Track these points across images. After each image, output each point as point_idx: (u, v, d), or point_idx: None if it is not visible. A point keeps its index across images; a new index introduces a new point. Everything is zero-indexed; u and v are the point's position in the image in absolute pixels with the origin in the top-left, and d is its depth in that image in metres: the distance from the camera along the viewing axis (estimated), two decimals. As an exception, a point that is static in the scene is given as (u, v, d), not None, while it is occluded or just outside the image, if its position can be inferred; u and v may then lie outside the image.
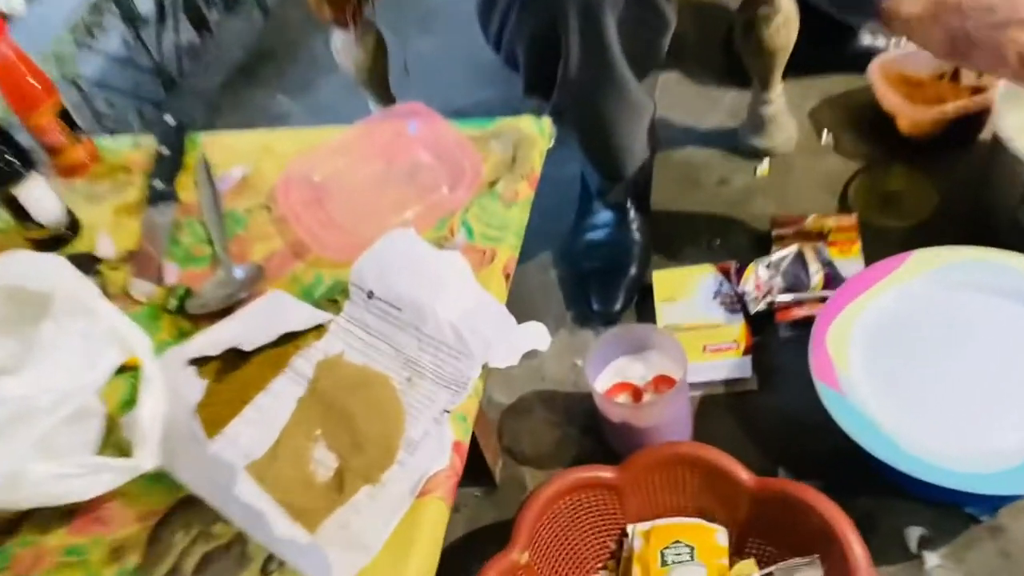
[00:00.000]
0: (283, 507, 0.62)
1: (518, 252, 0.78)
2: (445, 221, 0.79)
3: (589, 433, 1.19)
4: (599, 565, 1.05)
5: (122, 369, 0.71)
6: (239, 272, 0.81)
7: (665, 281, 1.29)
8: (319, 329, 0.74)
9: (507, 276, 0.76)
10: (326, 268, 0.79)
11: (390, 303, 0.72)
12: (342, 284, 0.73)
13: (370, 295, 0.73)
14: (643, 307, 1.29)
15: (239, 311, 0.75)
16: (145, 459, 0.65)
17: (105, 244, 0.87)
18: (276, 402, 0.69)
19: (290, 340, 0.73)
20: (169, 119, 0.94)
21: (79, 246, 0.88)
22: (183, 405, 0.65)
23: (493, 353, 0.68)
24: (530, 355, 0.69)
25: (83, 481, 0.63)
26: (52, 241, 0.87)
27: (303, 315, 0.73)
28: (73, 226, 0.88)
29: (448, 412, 0.66)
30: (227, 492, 0.62)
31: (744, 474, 0.97)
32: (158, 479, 0.67)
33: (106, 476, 0.64)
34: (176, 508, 0.67)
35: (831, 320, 1.07)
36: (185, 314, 0.79)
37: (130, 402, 0.73)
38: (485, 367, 0.68)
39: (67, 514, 0.66)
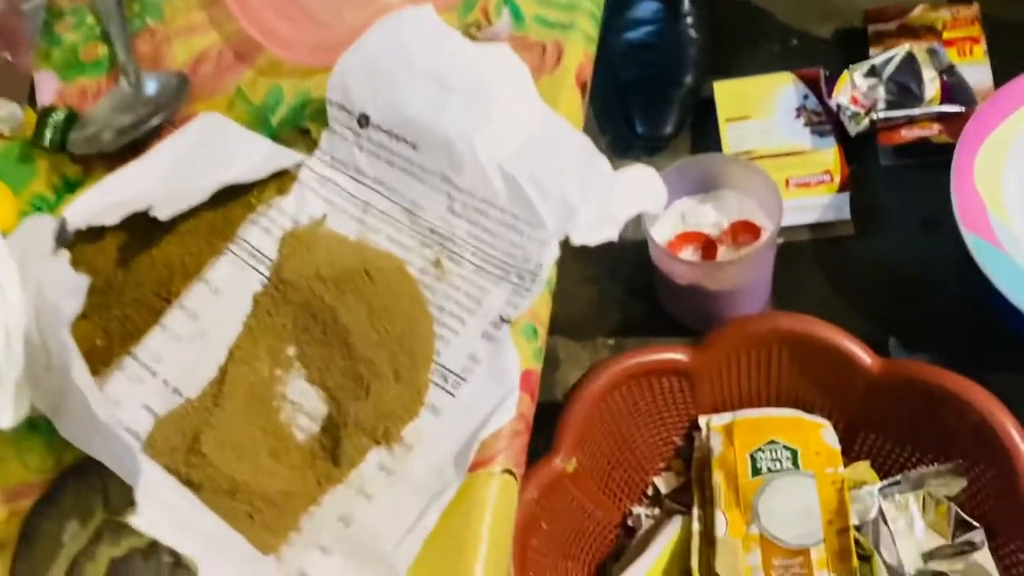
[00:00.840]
0: (237, 496, 0.36)
1: (595, 48, 0.49)
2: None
3: (637, 293, 0.94)
4: (661, 464, 0.82)
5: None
6: (151, 85, 0.52)
7: (731, 94, 1.01)
8: (282, 178, 0.45)
9: (583, 87, 0.47)
10: (288, 78, 0.50)
11: (397, 134, 0.44)
12: (315, 104, 0.44)
13: (363, 121, 0.44)
14: (702, 129, 1.02)
15: (151, 149, 0.47)
16: (2, 409, 0.38)
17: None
18: (217, 303, 0.42)
19: (236, 197, 0.45)
20: None
21: None
22: (52, 317, 0.38)
23: (577, 219, 0.41)
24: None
25: None
26: None
27: (255, 155, 0.45)
28: None
29: (508, 321, 0.40)
30: (128, 470, 0.36)
31: (865, 355, 0.73)
32: (32, 430, 0.41)
33: None
34: (66, 479, 0.41)
35: (978, 147, 0.80)
36: (69, 153, 0.50)
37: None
38: (563, 243, 0.41)
39: None
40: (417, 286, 0.42)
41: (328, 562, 0.36)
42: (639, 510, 0.80)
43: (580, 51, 0.48)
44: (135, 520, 0.32)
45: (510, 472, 0.37)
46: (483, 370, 0.39)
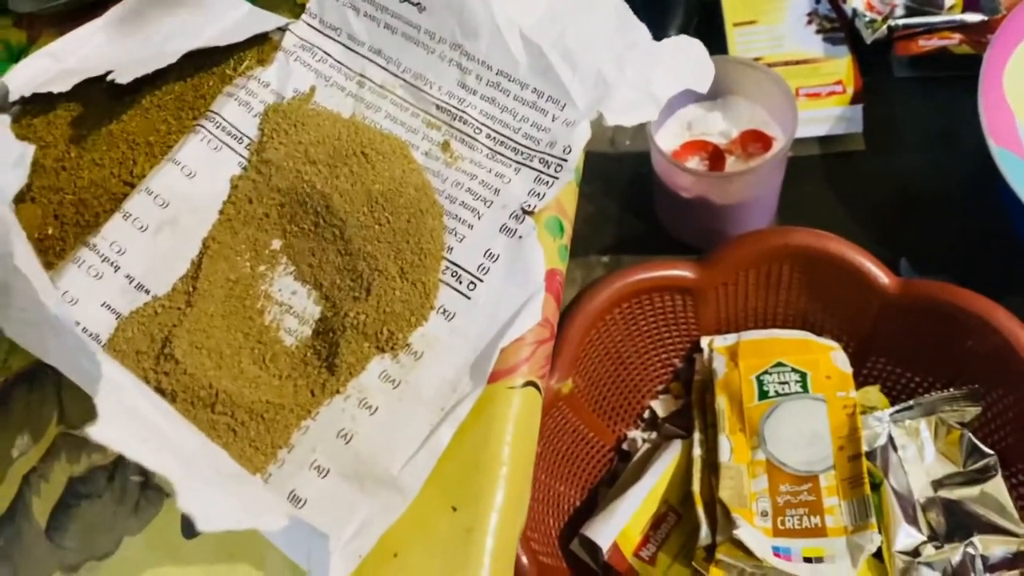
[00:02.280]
0: (216, 407, 0.31)
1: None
2: None
3: (634, 208, 0.89)
4: (659, 387, 0.78)
5: None
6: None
7: (739, -4, 0.94)
8: (263, 46, 0.39)
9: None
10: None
11: (400, -6, 0.37)
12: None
13: (361, -23, 0.38)
14: (707, 33, 0.93)
15: (110, 10, 0.40)
16: None
17: None
18: (189, 187, 0.36)
19: (209, 67, 0.38)
20: None
21: None
22: None
23: (612, 96, 0.35)
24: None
25: None
26: None
27: (230, 17, 0.38)
28: None
29: (531, 212, 0.34)
30: (86, 374, 0.30)
31: (882, 274, 0.69)
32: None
33: None
34: (13, 387, 0.35)
35: (1007, 57, 0.74)
36: (11, 14, 0.43)
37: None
38: (595, 124, 0.36)
39: None
40: (423, 172, 0.36)
41: (325, 483, 0.31)
42: (635, 434, 0.76)
43: None
44: (95, 432, 0.27)
45: (533, 384, 0.32)
46: (502, 268, 0.34)
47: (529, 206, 0.35)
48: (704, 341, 0.75)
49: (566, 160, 0.35)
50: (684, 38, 0.37)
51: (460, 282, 0.34)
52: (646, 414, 0.77)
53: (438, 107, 0.37)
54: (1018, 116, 0.72)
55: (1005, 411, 0.67)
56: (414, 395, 0.32)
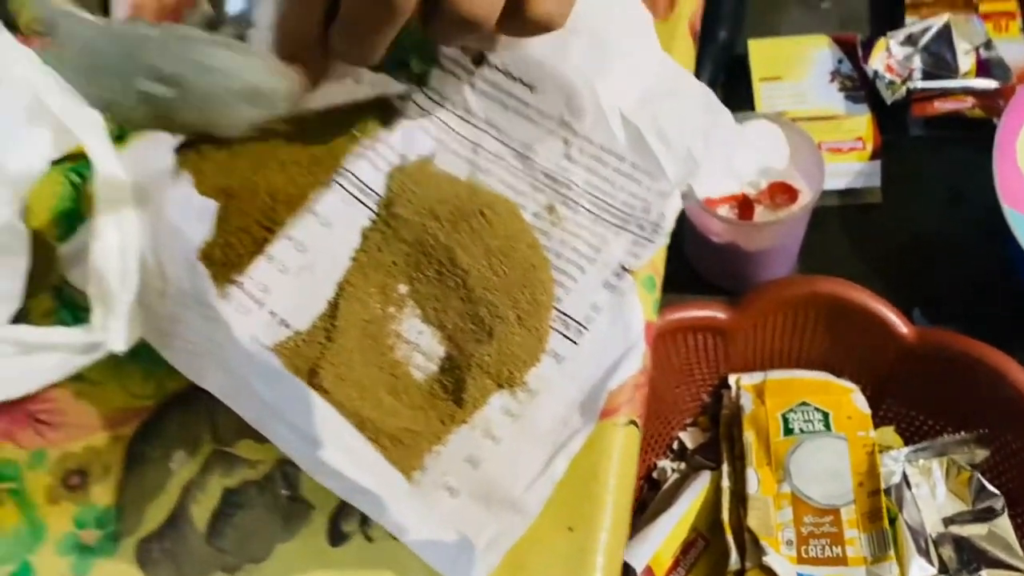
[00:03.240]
0: (364, 432, 0.36)
1: (705, -5, 0.48)
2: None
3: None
4: (688, 419, 0.83)
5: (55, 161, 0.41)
6: (234, 3, 0.50)
7: (766, 53, 1.00)
8: (386, 113, 0.44)
9: (694, 36, 0.46)
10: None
11: (514, 75, 0.42)
12: (417, 34, 0.43)
13: (478, 60, 0.43)
14: (735, 87, 1.00)
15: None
16: (113, 332, 0.37)
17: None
18: (326, 235, 0.41)
19: (338, 128, 0.43)
20: None
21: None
22: (176, 241, 0.36)
23: (700, 172, 0.40)
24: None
25: (8, 369, 0.36)
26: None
27: (356, 80, 0.43)
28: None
29: (630, 271, 0.39)
30: (254, 395, 0.35)
31: (900, 323, 0.74)
32: (133, 357, 0.40)
33: (49, 360, 0.36)
34: (170, 408, 0.40)
35: (1020, 125, 0.80)
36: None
37: (71, 215, 0.44)
38: (686, 194, 0.41)
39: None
40: (532, 231, 0.41)
41: (455, 502, 0.35)
42: (664, 464, 0.81)
43: None
44: (326, 455, 0.32)
45: (634, 423, 0.37)
46: (605, 320, 0.39)
47: (629, 265, 0.40)
48: (732, 378, 0.80)
49: (660, 226, 0.40)
50: (763, 121, 0.43)
51: (568, 329, 0.39)
52: (675, 445, 0.82)
53: (545, 174, 0.42)
54: (1030, 181, 0.78)
55: (1013, 455, 0.73)
56: (532, 428, 0.37)
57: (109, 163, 0.37)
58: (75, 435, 0.39)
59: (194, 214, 0.36)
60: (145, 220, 0.37)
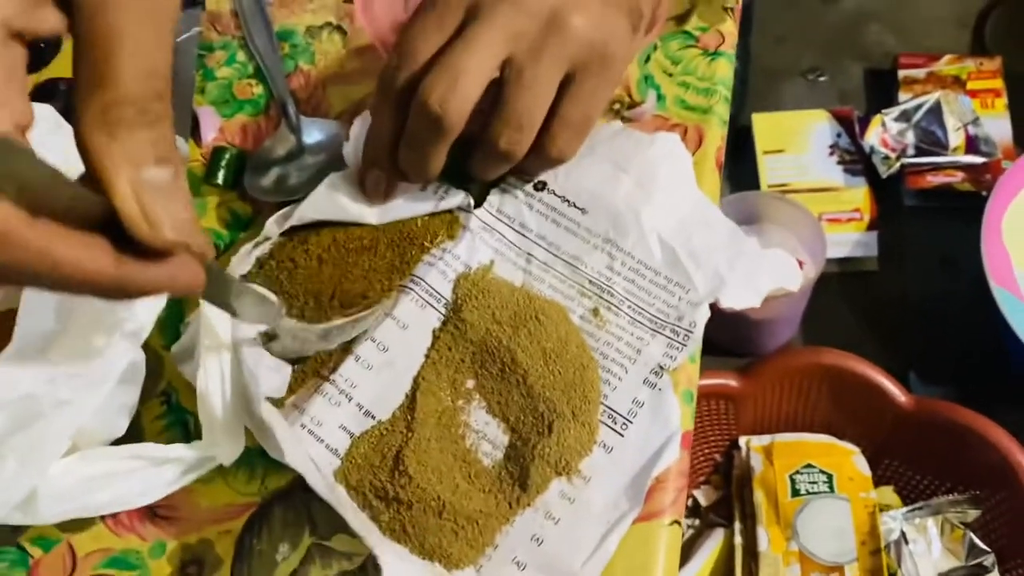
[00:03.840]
0: (443, 514, 0.42)
1: (727, 129, 0.54)
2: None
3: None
4: (701, 478, 0.89)
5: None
6: (315, 132, 0.56)
7: (768, 127, 1.07)
8: (452, 226, 0.50)
9: (719, 168, 0.53)
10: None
11: (570, 201, 0.49)
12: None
13: (539, 186, 0.49)
14: (738, 158, 1.07)
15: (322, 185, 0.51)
16: (221, 448, 0.42)
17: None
18: (403, 336, 0.47)
19: (410, 239, 0.50)
20: None
21: (59, 68, 0.60)
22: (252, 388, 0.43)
23: (726, 288, 0.46)
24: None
25: (132, 482, 0.41)
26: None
27: (422, 194, 0.50)
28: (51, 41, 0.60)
29: (666, 370, 0.45)
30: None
31: (898, 392, 0.80)
32: (240, 457, 0.45)
33: (170, 472, 0.42)
34: (273, 504, 0.45)
35: (1006, 206, 0.87)
36: (238, 189, 0.54)
37: (173, 319, 0.50)
38: (711, 308, 0.47)
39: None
40: (581, 333, 0.47)
41: (523, 575, 0.41)
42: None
43: (718, 135, 0.52)
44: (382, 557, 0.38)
45: (677, 522, 0.43)
46: (647, 414, 0.44)
47: (666, 365, 0.46)
48: (743, 440, 0.86)
49: (692, 332, 0.46)
50: (781, 251, 0.49)
51: (615, 423, 0.45)
52: (689, 502, 0.88)
53: (590, 282, 0.48)
54: (1015, 260, 0.85)
55: (1002, 515, 0.78)
56: (586, 511, 0.42)
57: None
58: (189, 529, 0.45)
59: (274, 366, 0.43)
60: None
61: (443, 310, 0.48)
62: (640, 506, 0.42)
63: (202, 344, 0.43)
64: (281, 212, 0.50)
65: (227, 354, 0.43)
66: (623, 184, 0.47)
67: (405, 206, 0.49)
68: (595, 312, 0.47)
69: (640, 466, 0.43)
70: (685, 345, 0.46)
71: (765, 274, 0.47)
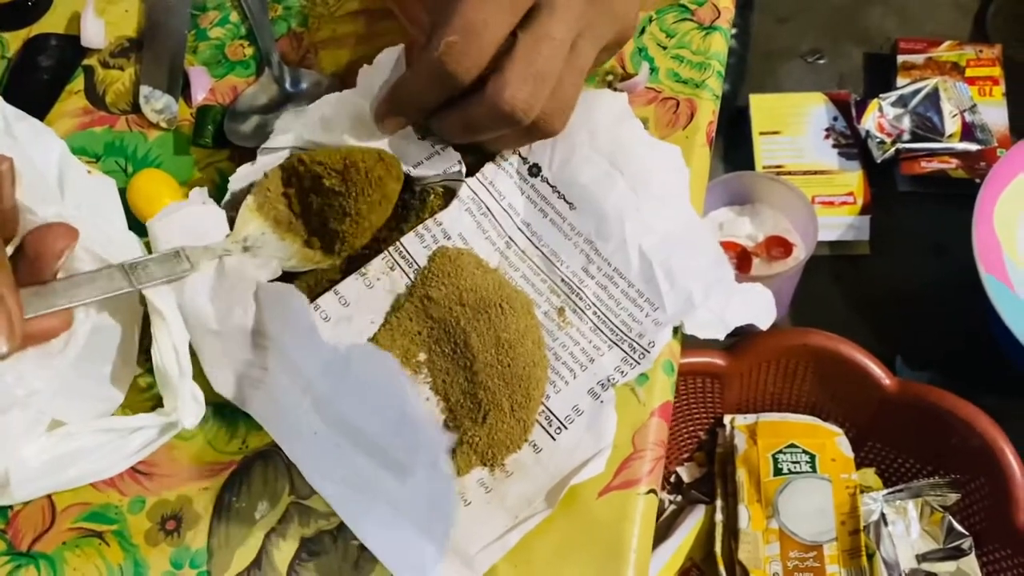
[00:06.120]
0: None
1: (719, 104, 0.54)
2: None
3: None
4: (684, 455, 0.89)
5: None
6: (302, 82, 0.55)
7: (765, 108, 1.06)
8: (446, 191, 0.49)
9: (710, 144, 0.52)
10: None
11: (561, 193, 0.48)
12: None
13: (534, 170, 0.49)
14: (734, 138, 1.07)
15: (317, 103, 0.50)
16: (183, 413, 0.43)
17: (92, 27, 0.58)
18: (368, 295, 0.47)
19: (408, 195, 0.49)
20: None
21: (49, 24, 0.59)
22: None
23: (694, 314, 0.45)
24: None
25: (100, 454, 0.42)
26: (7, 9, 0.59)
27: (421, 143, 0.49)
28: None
29: (613, 385, 0.45)
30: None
31: (883, 375, 0.81)
32: (221, 415, 0.46)
33: (138, 440, 0.42)
34: (253, 463, 0.45)
35: (998, 195, 0.87)
36: (229, 147, 0.54)
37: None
38: (677, 331, 0.46)
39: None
40: (540, 329, 0.46)
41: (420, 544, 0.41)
42: (663, 496, 0.88)
43: (709, 110, 0.52)
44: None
45: (653, 491, 0.43)
46: (583, 423, 0.43)
47: (613, 380, 0.45)
48: (727, 419, 0.86)
49: (648, 352, 0.45)
50: (758, 286, 0.48)
51: (550, 425, 0.44)
52: (672, 478, 0.88)
53: (563, 280, 0.47)
54: (1005, 248, 0.85)
55: (981, 499, 0.79)
56: (499, 501, 0.42)
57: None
58: (169, 484, 0.45)
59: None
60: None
61: (412, 276, 0.47)
62: (553, 508, 0.42)
63: (153, 323, 0.43)
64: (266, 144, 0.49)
65: (175, 320, 0.43)
66: (616, 186, 0.47)
67: (398, 144, 0.48)
68: (560, 311, 0.47)
69: (563, 473, 0.43)
70: (639, 363, 0.45)
71: (738, 308, 0.46)
